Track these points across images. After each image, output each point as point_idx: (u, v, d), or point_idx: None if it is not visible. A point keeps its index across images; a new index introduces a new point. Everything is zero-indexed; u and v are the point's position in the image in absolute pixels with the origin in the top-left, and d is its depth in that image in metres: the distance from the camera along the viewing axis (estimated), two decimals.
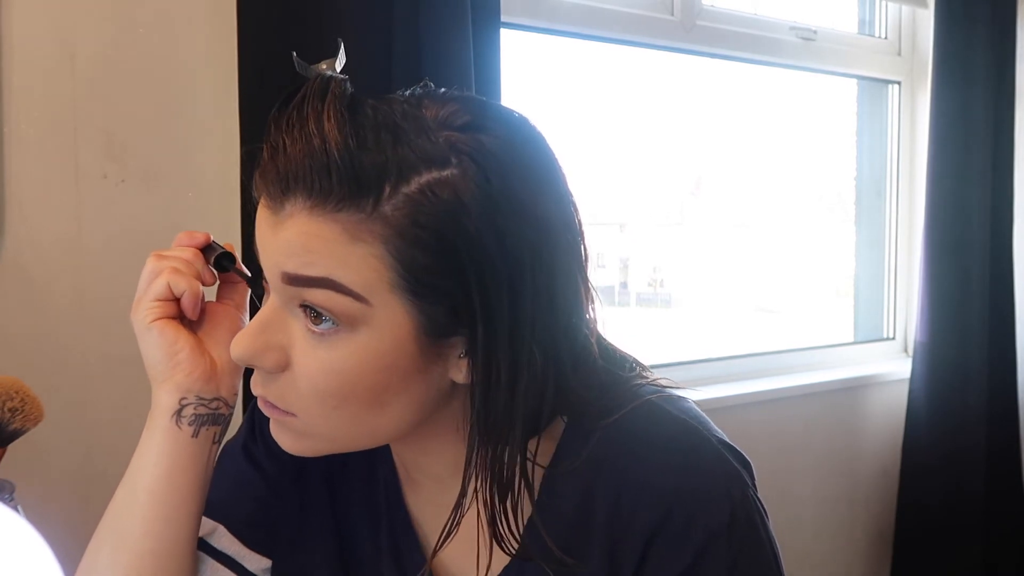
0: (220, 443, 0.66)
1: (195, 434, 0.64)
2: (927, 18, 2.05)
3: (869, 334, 2.26)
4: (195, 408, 0.63)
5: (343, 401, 0.55)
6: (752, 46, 1.89)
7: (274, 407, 0.58)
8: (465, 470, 0.57)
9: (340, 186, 0.50)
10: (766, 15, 1.94)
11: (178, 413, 0.64)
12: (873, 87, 2.23)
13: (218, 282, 0.68)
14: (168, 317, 0.66)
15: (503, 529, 0.56)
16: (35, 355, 1.13)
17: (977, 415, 1.98)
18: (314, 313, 0.53)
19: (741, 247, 2.23)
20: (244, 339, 0.56)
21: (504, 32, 1.34)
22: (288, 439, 0.59)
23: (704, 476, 0.57)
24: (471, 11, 1.25)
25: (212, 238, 0.67)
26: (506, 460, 0.55)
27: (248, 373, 0.60)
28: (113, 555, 0.62)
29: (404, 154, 0.51)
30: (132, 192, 1.18)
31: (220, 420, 0.65)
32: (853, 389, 2.03)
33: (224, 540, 0.69)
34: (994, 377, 2.00)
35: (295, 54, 0.55)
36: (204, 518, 0.67)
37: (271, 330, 0.56)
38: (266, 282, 0.58)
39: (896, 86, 2.19)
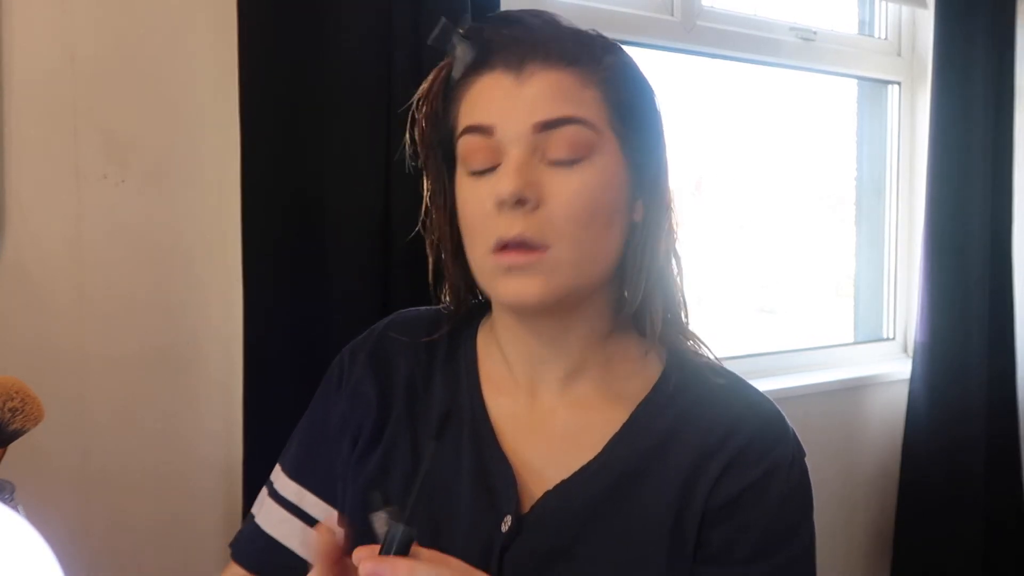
0: None
1: None
2: (927, 18, 2.05)
3: (869, 334, 2.26)
4: None
5: (591, 219, 0.68)
6: (752, 46, 1.89)
7: (530, 249, 0.67)
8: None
9: (573, 46, 0.70)
10: (766, 15, 1.94)
11: None
12: (873, 87, 2.23)
13: None
14: None
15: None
16: (35, 355, 1.13)
17: (977, 415, 1.98)
18: (556, 164, 0.67)
19: (741, 247, 2.23)
20: (509, 178, 0.66)
21: None
22: (537, 285, 0.67)
23: (779, 425, 0.73)
24: (471, 11, 1.25)
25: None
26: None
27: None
28: None
29: (600, 37, 0.74)
30: (132, 192, 1.18)
31: None
32: (853, 389, 2.03)
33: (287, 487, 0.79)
34: (994, 377, 2.00)
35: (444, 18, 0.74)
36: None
37: (527, 173, 0.67)
38: None
39: (896, 86, 2.19)
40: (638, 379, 0.75)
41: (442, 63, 0.76)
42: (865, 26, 2.21)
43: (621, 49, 0.74)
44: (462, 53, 0.72)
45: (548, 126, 0.67)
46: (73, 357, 1.16)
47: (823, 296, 2.43)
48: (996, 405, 2.01)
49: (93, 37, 1.15)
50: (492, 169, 0.69)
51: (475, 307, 0.81)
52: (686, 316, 0.78)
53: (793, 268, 2.33)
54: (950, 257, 1.97)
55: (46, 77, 1.13)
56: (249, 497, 1.16)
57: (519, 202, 0.66)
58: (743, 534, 0.69)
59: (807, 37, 1.98)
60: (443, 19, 0.74)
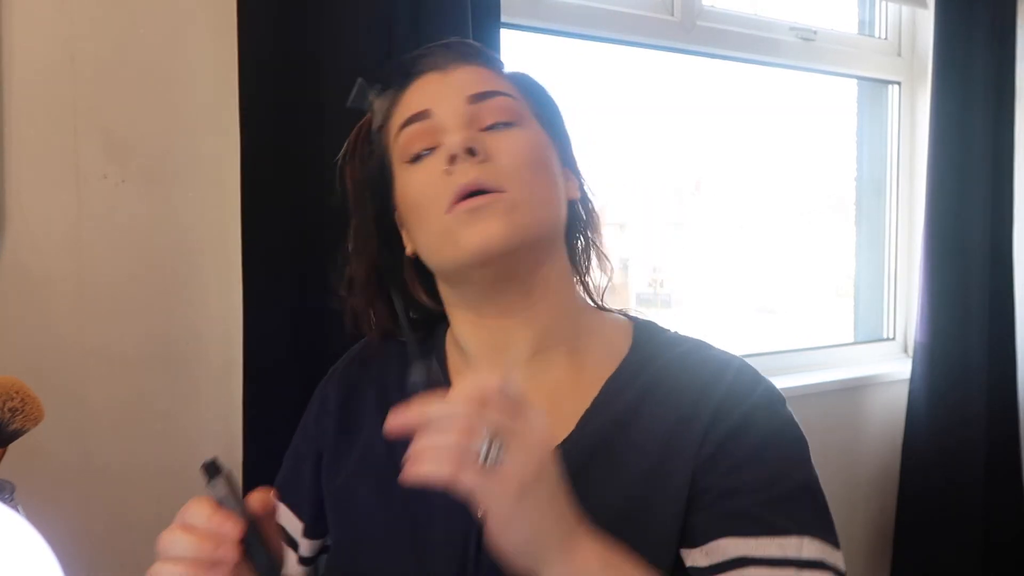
0: None
1: None
2: (927, 18, 2.04)
3: (869, 334, 2.26)
4: None
5: (537, 167, 0.73)
6: (752, 46, 1.89)
7: (487, 192, 0.69)
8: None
9: (485, 55, 0.80)
10: (766, 15, 1.94)
11: None
12: (873, 87, 2.23)
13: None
14: None
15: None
16: (35, 355, 1.13)
17: (977, 415, 1.98)
18: (491, 127, 0.73)
19: (741, 247, 2.23)
20: (455, 135, 0.72)
21: (504, 32, 1.34)
22: (501, 224, 0.69)
23: (750, 375, 0.74)
24: (471, 11, 1.25)
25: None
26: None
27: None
28: None
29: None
30: (132, 192, 1.18)
31: None
32: (853, 389, 2.03)
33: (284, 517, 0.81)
34: (994, 377, 2.00)
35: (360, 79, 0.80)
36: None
37: (468, 131, 0.72)
38: None
39: (896, 86, 2.19)
40: (607, 354, 0.77)
41: (361, 122, 0.82)
42: (865, 26, 2.21)
43: (524, 73, 0.83)
44: (380, 106, 0.79)
45: (480, 97, 0.74)
46: (73, 357, 1.16)
47: (823, 296, 2.43)
48: (996, 405, 2.01)
49: (93, 37, 1.15)
50: (432, 150, 0.74)
51: (439, 324, 0.83)
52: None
53: (793, 268, 2.33)
54: (950, 257, 1.97)
55: (46, 77, 1.13)
56: None
57: (469, 152, 0.70)
58: (734, 476, 0.69)
59: (807, 37, 1.98)
60: (359, 80, 0.80)
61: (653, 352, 0.76)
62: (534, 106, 0.78)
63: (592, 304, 0.83)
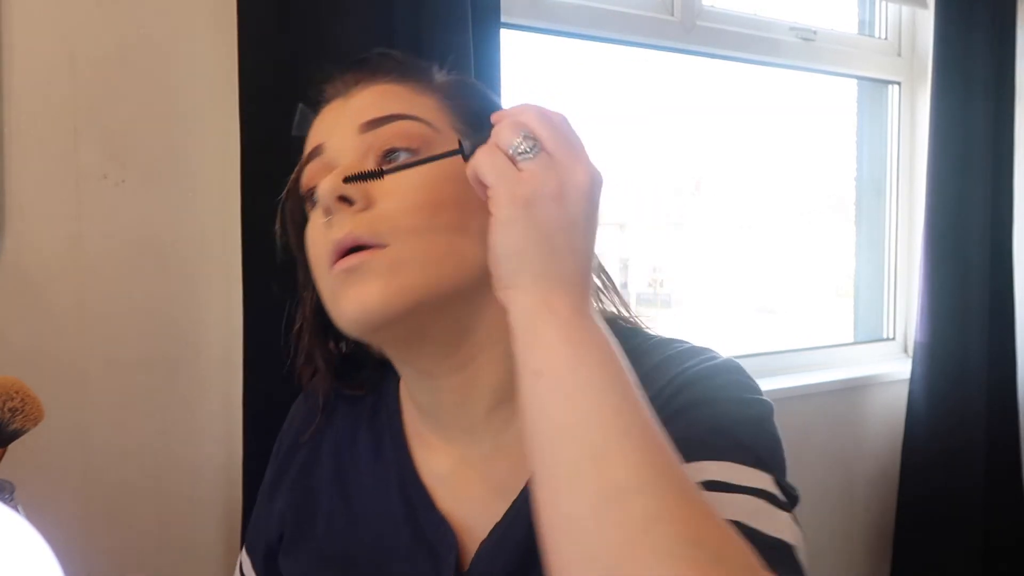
0: None
1: None
2: (927, 18, 2.05)
3: (869, 334, 2.26)
4: None
5: (435, 210, 0.60)
6: (752, 46, 1.89)
7: (363, 248, 0.59)
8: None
9: (406, 66, 0.68)
10: (766, 15, 1.94)
11: None
12: (873, 87, 2.23)
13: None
14: None
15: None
16: (35, 355, 1.13)
17: (977, 415, 1.98)
18: (390, 156, 0.63)
19: (741, 247, 2.23)
20: (330, 177, 0.60)
21: (504, 32, 1.34)
22: (377, 287, 0.58)
23: (691, 352, 0.65)
24: (471, 11, 1.25)
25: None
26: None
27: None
28: None
29: (439, 67, 0.71)
30: (132, 192, 1.18)
31: None
32: (853, 389, 2.03)
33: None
34: (994, 377, 2.00)
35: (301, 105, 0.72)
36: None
37: (365, 163, 0.62)
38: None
39: (896, 86, 2.19)
40: None
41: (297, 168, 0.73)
42: (865, 26, 2.21)
43: (465, 77, 0.72)
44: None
45: (375, 124, 0.63)
46: (73, 357, 1.16)
47: (823, 296, 2.43)
48: (996, 405, 2.01)
49: (93, 37, 1.15)
50: None
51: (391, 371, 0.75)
52: (615, 299, 0.72)
53: (793, 268, 2.33)
54: (950, 257, 1.97)
55: (46, 77, 1.13)
56: (249, 497, 1.16)
57: (343, 200, 0.60)
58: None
59: (807, 37, 1.98)
60: (300, 106, 0.73)
61: None
62: (468, 120, 0.66)
63: None
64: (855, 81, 2.22)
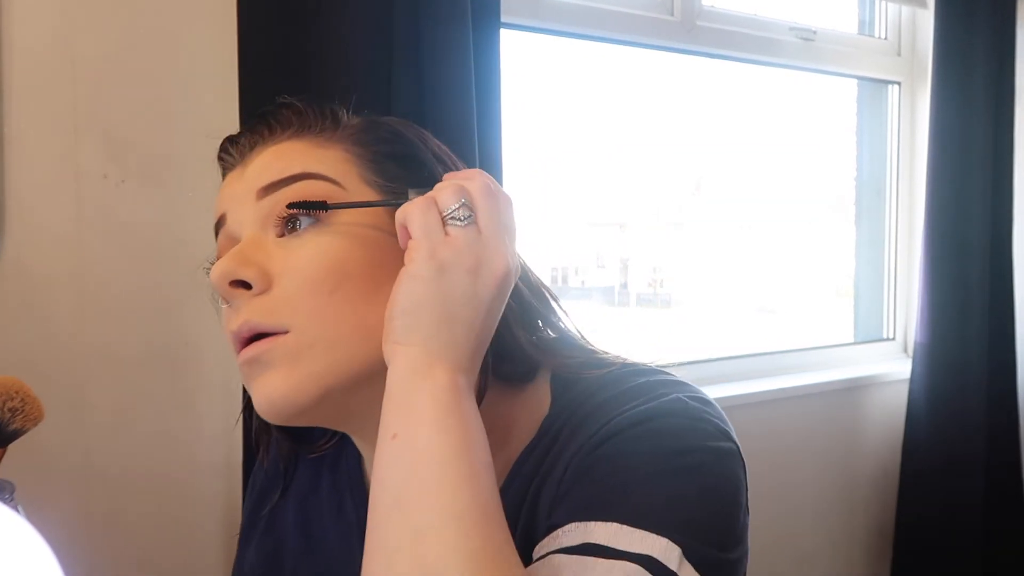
0: None
1: None
2: (927, 18, 2.05)
3: (869, 334, 2.26)
4: None
5: (338, 283, 0.56)
6: (752, 46, 1.89)
7: (262, 336, 0.56)
8: None
9: (302, 117, 0.62)
10: (766, 15, 1.94)
11: None
12: (873, 87, 2.23)
13: None
14: None
15: None
16: (35, 355, 1.13)
17: (977, 415, 1.98)
18: (292, 222, 0.58)
19: (741, 247, 2.23)
20: (220, 262, 0.56)
21: (504, 32, 1.34)
22: (279, 378, 0.56)
23: (635, 395, 0.58)
24: (471, 11, 1.25)
25: None
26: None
27: None
28: None
29: (345, 110, 0.64)
30: (132, 192, 1.18)
31: None
32: (853, 389, 2.03)
33: None
34: (994, 377, 2.00)
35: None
36: None
37: (248, 250, 0.57)
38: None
39: (896, 86, 2.19)
40: (521, 431, 0.62)
41: None
42: (865, 26, 2.21)
43: (376, 117, 0.65)
44: None
45: (271, 188, 0.58)
46: (73, 357, 1.16)
47: (823, 296, 2.43)
48: (996, 405, 2.01)
49: (93, 37, 1.15)
50: None
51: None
52: (557, 327, 0.65)
53: (793, 268, 2.33)
54: (950, 257, 1.97)
55: (46, 77, 1.13)
56: None
57: (237, 285, 0.56)
58: (563, 500, 0.55)
59: (807, 37, 1.98)
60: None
61: (566, 413, 0.61)
62: (380, 167, 0.60)
63: (511, 385, 0.63)
64: (855, 81, 2.22)
